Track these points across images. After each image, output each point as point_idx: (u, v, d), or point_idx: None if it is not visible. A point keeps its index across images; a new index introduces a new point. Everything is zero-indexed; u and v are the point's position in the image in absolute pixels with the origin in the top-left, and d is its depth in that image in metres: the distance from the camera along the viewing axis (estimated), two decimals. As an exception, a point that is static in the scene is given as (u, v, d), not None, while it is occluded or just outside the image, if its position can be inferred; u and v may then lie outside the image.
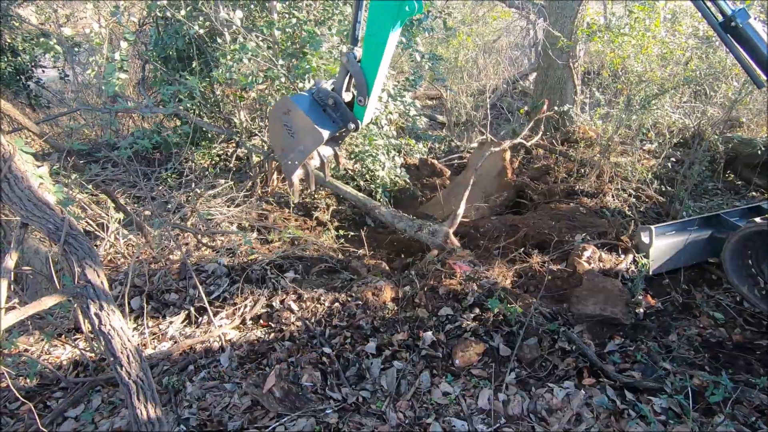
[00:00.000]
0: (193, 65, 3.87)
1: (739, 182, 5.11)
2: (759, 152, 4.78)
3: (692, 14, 4.98)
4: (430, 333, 2.85)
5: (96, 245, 3.77)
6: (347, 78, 2.68)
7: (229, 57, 3.97)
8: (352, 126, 2.67)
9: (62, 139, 5.45)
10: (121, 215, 3.70)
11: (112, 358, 1.78)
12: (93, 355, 2.64)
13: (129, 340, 1.82)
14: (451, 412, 2.41)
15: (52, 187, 1.96)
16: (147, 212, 3.71)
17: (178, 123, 4.83)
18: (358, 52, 2.62)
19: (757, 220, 2.91)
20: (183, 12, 3.97)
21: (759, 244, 2.94)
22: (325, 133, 2.65)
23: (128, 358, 1.78)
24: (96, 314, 1.78)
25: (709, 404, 2.32)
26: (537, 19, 7.64)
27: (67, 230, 1.86)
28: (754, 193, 4.89)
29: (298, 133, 2.68)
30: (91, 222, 3.66)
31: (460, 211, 4.10)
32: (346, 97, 2.72)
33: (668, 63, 4.84)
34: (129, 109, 3.46)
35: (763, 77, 2.08)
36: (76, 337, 2.86)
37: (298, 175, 2.75)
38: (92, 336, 2.57)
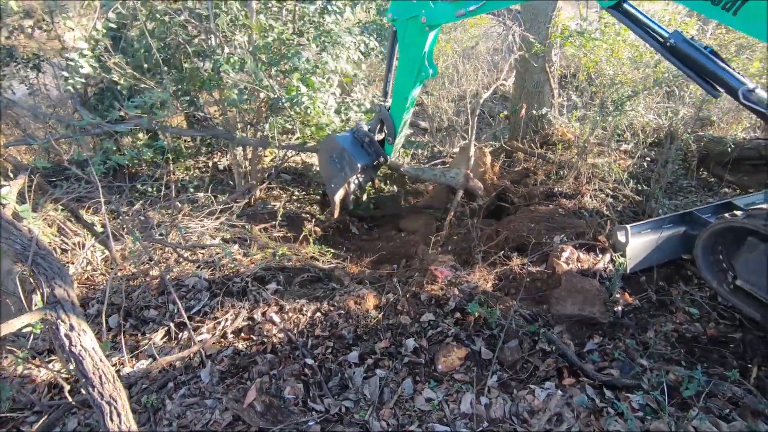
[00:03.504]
0: (164, 77, 3.85)
1: (712, 179, 5.25)
2: (729, 150, 4.93)
3: (660, 18, 5.13)
4: (412, 340, 2.86)
5: (72, 263, 3.70)
6: (379, 122, 3.50)
7: (227, 65, 3.96)
8: (382, 159, 3.51)
9: (40, 156, 5.35)
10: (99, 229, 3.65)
11: (83, 380, 1.75)
12: (68, 376, 2.58)
13: (101, 360, 1.79)
14: (434, 418, 2.41)
15: (19, 207, 1.93)
16: (125, 228, 3.66)
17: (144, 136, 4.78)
18: (388, 103, 3.43)
19: (727, 215, 2.99)
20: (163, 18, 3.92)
21: (729, 239, 3.03)
22: (360, 164, 3.44)
23: (101, 378, 1.75)
24: (66, 335, 1.75)
25: (684, 399, 2.37)
26: (513, 24, 7.79)
27: (35, 249, 1.83)
28: (726, 190, 5.03)
29: (340, 162, 3.46)
30: (66, 240, 3.59)
31: (472, 152, 4.40)
32: (379, 136, 3.51)
33: (639, 65, 4.97)
34: (97, 125, 3.36)
35: (719, 88, 2.21)
36: (51, 358, 2.80)
37: (339, 195, 3.58)
38: (65, 357, 2.51)
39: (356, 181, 3.68)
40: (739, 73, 2.20)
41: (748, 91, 2.14)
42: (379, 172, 4.04)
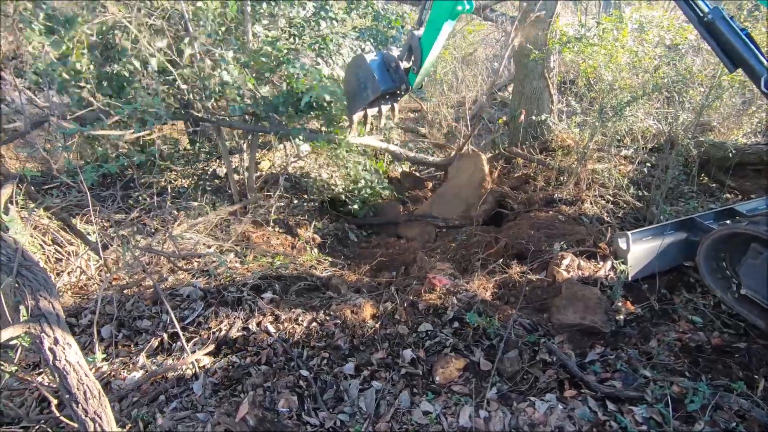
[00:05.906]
0: (155, 83, 3.80)
1: (713, 185, 5.20)
2: (730, 155, 4.88)
3: (658, 23, 5.11)
4: (409, 350, 2.80)
5: (68, 273, 3.66)
6: (408, 50, 3.35)
7: (213, 81, 3.94)
8: (404, 87, 3.37)
9: (37, 163, 5.32)
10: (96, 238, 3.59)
11: (67, 395, 1.70)
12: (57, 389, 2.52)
13: (86, 375, 1.74)
14: (432, 431, 2.35)
15: (6, 216, 1.89)
16: (116, 237, 3.61)
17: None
18: (420, 32, 3.29)
19: (729, 222, 2.94)
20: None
21: (731, 246, 2.97)
22: (382, 87, 3.28)
23: (85, 394, 1.70)
24: (50, 349, 1.71)
25: (689, 412, 2.30)
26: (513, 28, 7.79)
27: (20, 261, 1.79)
28: (728, 195, 4.97)
29: (364, 83, 3.35)
30: (60, 249, 3.55)
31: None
32: (406, 64, 3.36)
33: (638, 71, 4.94)
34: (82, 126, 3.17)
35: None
36: (42, 370, 2.74)
37: (358, 116, 3.44)
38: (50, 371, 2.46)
39: (377, 105, 3.55)
40: None
41: None
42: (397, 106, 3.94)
